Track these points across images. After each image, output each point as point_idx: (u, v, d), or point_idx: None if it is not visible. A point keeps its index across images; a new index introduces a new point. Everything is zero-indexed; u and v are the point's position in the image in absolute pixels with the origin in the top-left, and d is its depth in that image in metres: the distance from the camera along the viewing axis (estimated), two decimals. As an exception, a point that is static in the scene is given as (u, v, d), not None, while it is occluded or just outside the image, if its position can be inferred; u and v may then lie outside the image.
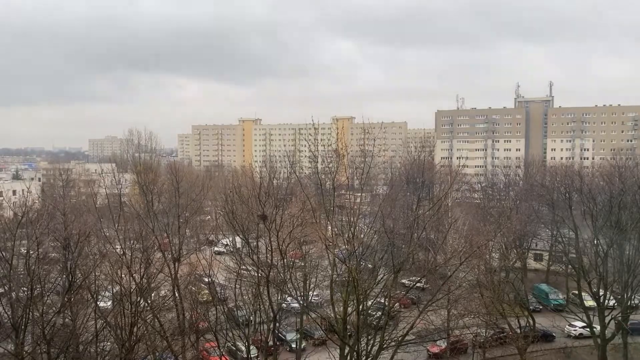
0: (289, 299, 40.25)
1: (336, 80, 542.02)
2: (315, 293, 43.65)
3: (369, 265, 34.19)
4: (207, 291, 40.90)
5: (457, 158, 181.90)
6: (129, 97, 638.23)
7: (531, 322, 46.06)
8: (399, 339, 31.11)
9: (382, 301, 33.25)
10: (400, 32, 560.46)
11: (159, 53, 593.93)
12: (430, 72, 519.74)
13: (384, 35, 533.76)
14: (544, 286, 65.66)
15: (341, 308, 30.95)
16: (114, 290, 36.20)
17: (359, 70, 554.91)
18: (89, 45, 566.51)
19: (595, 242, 48.13)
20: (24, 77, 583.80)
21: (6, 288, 32.54)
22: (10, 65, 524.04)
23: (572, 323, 53.34)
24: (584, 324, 48.40)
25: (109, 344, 34.67)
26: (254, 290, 34.75)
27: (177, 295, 38.83)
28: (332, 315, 32.21)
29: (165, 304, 38.57)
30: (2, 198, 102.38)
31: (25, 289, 31.68)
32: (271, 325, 36.18)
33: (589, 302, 50.02)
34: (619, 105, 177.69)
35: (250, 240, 37.19)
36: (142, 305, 34.43)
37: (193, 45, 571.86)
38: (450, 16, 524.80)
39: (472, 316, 42.56)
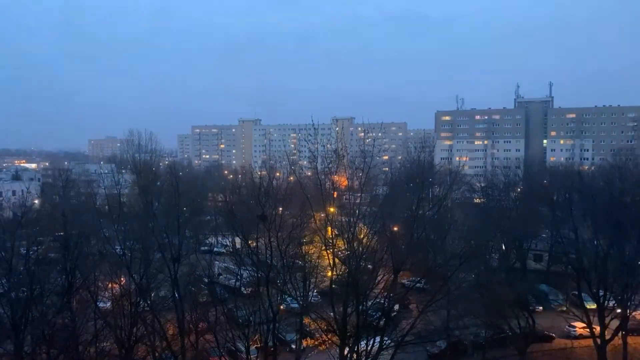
0: (288, 299, 40.24)
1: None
2: (315, 293, 43.62)
3: (369, 266, 34.18)
4: (207, 291, 40.91)
5: (457, 158, 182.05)
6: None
7: (531, 322, 46.03)
8: (399, 339, 31.12)
9: (382, 301, 33.24)
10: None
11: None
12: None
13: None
14: (543, 287, 65.61)
15: (341, 309, 30.96)
16: (114, 291, 36.20)
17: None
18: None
19: (595, 242, 48.08)
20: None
21: (6, 288, 32.55)
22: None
23: (572, 323, 53.31)
24: (584, 325, 48.37)
25: (108, 344, 34.67)
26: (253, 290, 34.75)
27: (176, 295, 38.79)
28: (332, 315, 32.21)
29: (165, 304, 38.56)
30: (1, 198, 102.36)
31: (25, 289, 31.70)
32: (270, 326, 36.14)
33: (589, 303, 49.99)
34: (618, 105, 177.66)
35: (250, 241, 37.18)
36: (141, 306, 34.44)
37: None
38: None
39: (472, 316, 42.53)
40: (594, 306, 47.11)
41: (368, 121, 40.64)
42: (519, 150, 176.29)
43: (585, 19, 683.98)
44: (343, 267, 32.76)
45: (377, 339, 31.06)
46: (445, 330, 41.51)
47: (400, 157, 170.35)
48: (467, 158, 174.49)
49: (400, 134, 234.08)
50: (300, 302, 36.73)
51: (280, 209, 37.52)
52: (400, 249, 34.46)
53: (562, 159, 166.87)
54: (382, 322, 32.11)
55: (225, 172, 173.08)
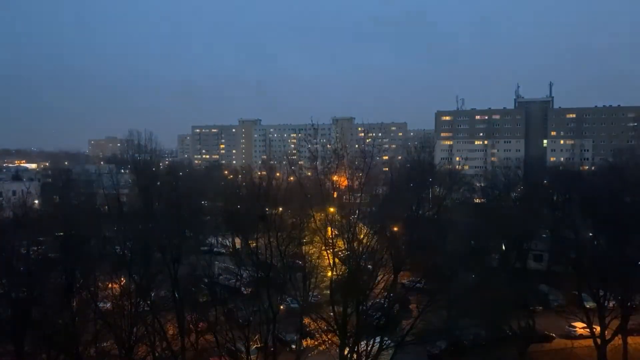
0: (288, 299, 40.26)
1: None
2: (315, 293, 43.65)
3: (369, 266, 34.20)
4: (207, 291, 40.89)
5: (457, 158, 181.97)
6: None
7: (531, 322, 45.98)
8: (399, 339, 31.14)
9: (382, 301, 33.26)
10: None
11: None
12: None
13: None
14: (543, 287, 65.55)
15: (341, 309, 30.97)
16: (114, 291, 36.21)
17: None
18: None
19: (595, 242, 48.05)
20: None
21: (6, 288, 32.56)
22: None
23: (572, 323, 53.31)
24: (584, 325, 48.36)
25: (108, 344, 34.66)
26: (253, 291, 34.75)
27: (176, 295, 38.83)
28: (332, 315, 32.23)
29: (165, 304, 38.56)
30: (1, 198, 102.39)
31: (25, 289, 31.69)
32: (270, 326, 36.15)
33: (589, 303, 49.96)
34: (618, 105, 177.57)
35: (249, 241, 37.21)
36: (141, 306, 34.45)
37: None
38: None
39: (472, 316, 42.45)
40: (594, 306, 47.11)
41: (368, 121, 40.74)
42: (519, 151, 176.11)
43: (585, 19, 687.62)
44: (343, 267, 32.78)
45: (377, 339, 31.08)
46: (445, 330, 41.48)
47: (400, 157, 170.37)
48: (467, 158, 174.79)
49: (400, 134, 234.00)
50: (301, 302, 36.73)
51: (280, 208, 37.57)
52: (400, 249, 34.48)
53: (562, 159, 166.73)
54: (382, 322, 32.13)
55: (226, 172, 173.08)
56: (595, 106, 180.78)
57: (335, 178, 32.99)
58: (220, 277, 51.22)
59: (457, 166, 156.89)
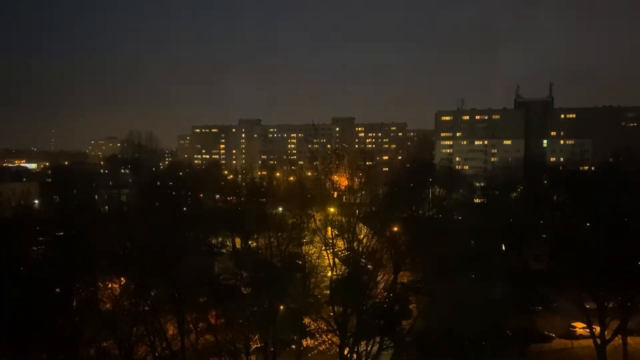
0: (288, 299, 40.27)
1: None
2: (315, 293, 43.67)
3: (369, 266, 34.22)
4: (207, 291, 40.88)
5: (457, 159, 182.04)
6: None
7: (531, 322, 45.99)
8: (399, 339, 31.15)
9: (382, 301, 33.25)
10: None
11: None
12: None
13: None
14: (543, 287, 65.50)
15: (341, 309, 30.99)
16: (114, 291, 36.22)
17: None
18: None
19: (595, 242, 47.99)
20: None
21: (6, 288, 32.54)
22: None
23: (572, 323, 53.36)
24: (584, 325, 48.35)
25: (108, 344, 34.69)
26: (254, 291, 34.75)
27: (176, 295, 38.81)
28: (332, 315, 32.24)
29: (165, 305, 38.56)
30: (1, 198, 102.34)
31: (25, 289, 31.69)
32: (270, 326, 36.15)
33: (589, 303, 49.94)
34: (618, 106, 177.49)
35: (250, 241, 37.23)
36: (141, 306, 34.46)
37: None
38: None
39: (472, 316, 42.45)
40: (594, 306, 47.11)
41: (368, 121, 40.72)
42: (519, 151, 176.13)
43: (585, 18, 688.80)
44: (343, 267, 32.81)
45: (377, 339, 31.09)
46: (445, 330, 41.50)
47: (400, 157, 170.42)
48: (467, 158, 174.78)
49: (400, 134, 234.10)
50: (300, 302, 36.74)
51: (280, 208, 37.59)
52: (400, 249, 34.49)
53: (562, 159, 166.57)
54: (382, 322, 32.16)
55: (226, 172, 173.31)
56: (595, 106, 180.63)
57: (335, 178, 33.03)
58: (220, 277, 51.26)
59: (457, 166, 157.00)
